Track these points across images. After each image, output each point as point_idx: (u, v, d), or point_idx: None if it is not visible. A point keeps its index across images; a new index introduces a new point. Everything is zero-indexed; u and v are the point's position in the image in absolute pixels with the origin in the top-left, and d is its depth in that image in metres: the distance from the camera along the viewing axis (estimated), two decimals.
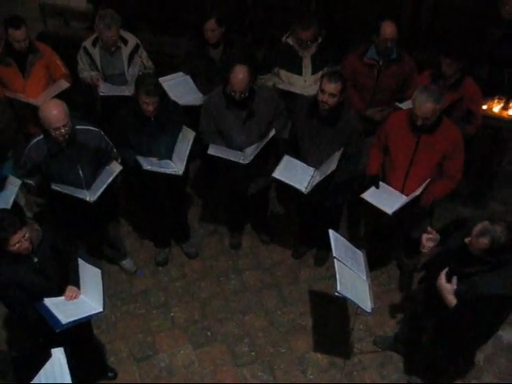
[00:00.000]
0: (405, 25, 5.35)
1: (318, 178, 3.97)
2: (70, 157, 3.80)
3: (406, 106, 4.23)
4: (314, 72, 4.62)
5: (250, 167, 4.11)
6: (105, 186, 3.90)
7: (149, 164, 4.02)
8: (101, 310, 3.35)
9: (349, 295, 3.43)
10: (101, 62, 4.68)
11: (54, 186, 3.80)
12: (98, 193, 3.88)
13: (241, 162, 4.06)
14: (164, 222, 4.77)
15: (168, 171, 4.07)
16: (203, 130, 4.20)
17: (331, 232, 3.75)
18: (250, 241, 5.10)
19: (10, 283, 3.17)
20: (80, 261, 3.46)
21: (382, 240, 4.62)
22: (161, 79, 4.42)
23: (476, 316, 3.13)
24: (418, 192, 3.86)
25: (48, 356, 2.92)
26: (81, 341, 3.74)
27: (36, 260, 3.22)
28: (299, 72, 4.62)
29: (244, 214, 5.01)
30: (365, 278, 3.71)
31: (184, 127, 4.07)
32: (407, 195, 3.93)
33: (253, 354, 4.27)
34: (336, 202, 4.39)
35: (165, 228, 4.83)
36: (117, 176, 3.99)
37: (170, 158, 4.16)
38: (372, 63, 4.48)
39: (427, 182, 3.85)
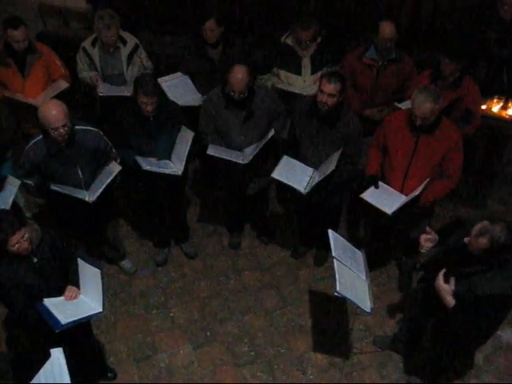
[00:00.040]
0: (404, 25, 5.35)
1: (317, 179, 3.97)
2: (69, 157, 3.80)
3: (405, 106, 4.23)
4: (313, 72, 4.63)
5: (249, 167, 4.12)
6: (104, 186, 3.90)
7: (148, 164, 4.02)
8: (100, 310, 3.35)
9: (348, 295, 3.42)
10: (100, 62, 4.68)
11: (53, 187, 3.80)
12: (97, 193, 3.88)
13: (240, 162, 4.06)
14: (163, 222, 4.77)
15: (167, 171, 4.07)
16: (202, 130, 4.20)
17: (330, 232, 3.75)
18: (250, 241, 5.10)
19: (10, 283, 3.16)
20: (80, 261, 3.45)
21: (381, 240, 4.62)
22: (160, 79, 4.43)
23: (475, 316, 3.13)
24: (417, 192, 3.86)
25: (47, 356, 2.92)
26: (80, 341, 3.74)
27: (35, 260, 3.22)
28: (298, 72, 4.63)
29: (243, 214, 5.01)
30: (364, 277, 3.71)
31: (183, 127, 4.07)
32: (406, 195, 3.93)
33: (252, 353, 4.27)
34: (335, 202, 4.39)
35: (164, 228, 4.83)
36: (116, 176, 3.99)
37: (169, 159, 4.15)
38: (371, 63, 4.49)
39: (426, 181, 3.85)
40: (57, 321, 3.16)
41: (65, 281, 3.41)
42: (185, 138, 4.06)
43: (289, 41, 4.61)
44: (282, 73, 4.66)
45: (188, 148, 4.03)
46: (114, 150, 4.05)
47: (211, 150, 4.08)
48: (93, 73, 4.70)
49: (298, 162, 4.10)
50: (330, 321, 4.45)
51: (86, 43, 4.71)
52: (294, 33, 4.55)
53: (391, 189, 4.01)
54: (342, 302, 4.42)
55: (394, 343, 4.19)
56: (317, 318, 4.48)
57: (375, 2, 5.37)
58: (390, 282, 4.75)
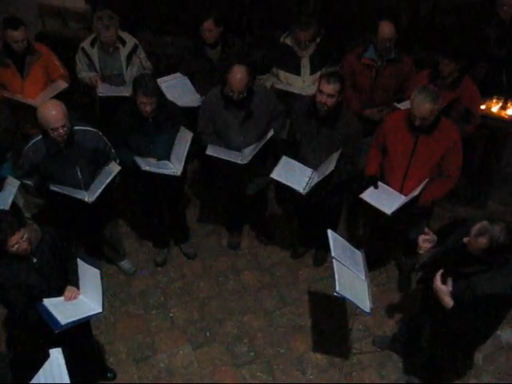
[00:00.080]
0: (403, 24, 5.35)
1: (316, 179, 3.96)
2: (68, 157, 3.80)
3: (404, 106, 4.23)
4: (312, 72, 4.63)
5: (248, 168, 4.11)
6: (103, 186, 3.90)
7: (147, 165, 4.02)
8: (100, 310, 3.34)
9: (347, 295, 3.42)
10: (99, 62, 4.68)
11: (53, 187, 3.80)
12: (97, 193, 3.88)
13: (239, 162, 4.06)
14: (162, 222, 4.77)
15: (166, 172, 4.06)
16: (201, 131, 4.20)
17: (330, 232, 3.75)
18: (249, 241, 5.10)
19: (10, 284, 3.16)
20: (79, 261, 3.45)
21: (380, 240, 4.62)
22: (159, 80, 4.41)
23: (474, 316, 3.13)
24: (416, 192, 3.86)
25: (46, 356, 2.91)
26: (80, 341, 3.74)
27: (35, 260, 3.22)
28: (298, 72, 4.63)
29: (242, 215, 5.01)
30: (363, 278, 3.71)
31: (182, 128, 4.07)
32: (406, 195, 3.93)
33: (252, 354, 4.27)
34: (335, 203, 4.39)
35: (163, 228, 4.83)
36: (115, 176, 3.99)
37: (168, 159, 4.15)
38: (370, 63, 4.49)
39: (426, 181, 3.85)
40: (56, 321, 3.16)
41: (64, 281, 3.41)
42: (184, 139, 4.06)
43: (288, 41, 4.61)
44: (281, 73, 4.66)
45: (187, 148, 4.02)
46: (113, 151, 4.05)
47: (210, 151, 4.08)
48: (92, 73, 4.70)
49: (297, 163, 4.09)
50: (330, 321, 4.45)
51: (85, 43, 4.71)
52: (293, 33, 4.55)
53: (390, 189, 4.01)
54: (342, 302, 4.42)
55: (394, 343, 4.19)
56: (316, 318, 4.48)
57: (374, 1, 5.37)
58: (389, 282, 4.75)
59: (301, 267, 4.87)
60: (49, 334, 3.18)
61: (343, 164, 3.99)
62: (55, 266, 3.34)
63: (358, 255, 3.86)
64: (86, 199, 3.86)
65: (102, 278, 3.45)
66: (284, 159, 4.11)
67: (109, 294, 4.55)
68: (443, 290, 3.16)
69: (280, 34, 4.73)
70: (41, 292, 3.27)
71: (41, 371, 2.88)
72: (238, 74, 3.88)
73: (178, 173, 4.06)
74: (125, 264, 4.80)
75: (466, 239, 3.02)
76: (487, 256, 2.98)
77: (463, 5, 5.11)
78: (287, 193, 4.57)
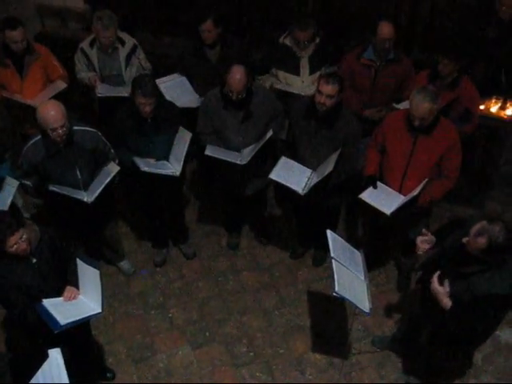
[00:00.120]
0: (402, 25, 5.35)
1: (315, 180, 3.96)
2: (67, 157, 3.80)
3: (403, 106, 4.23)
4: (311, 72, 4.63)
5: (247, 168, 4.11)
6: (102, 186, 3.90)
7: (146, 165, 4.01)
8: (99, 310, 3.34)
9: (347, 295, 3.42)
10: (98, 62, 4.68)
11: (52, 187, 3.80)
12: (96, 194, 3.88)
13: (238, 162, 4.06)
14: (162, 222, 4.77)
15: (165, 172, 4.07)
16: (200, 131, 4.19)
17: (329, 232, 3.75)
18: (248, 241, 5.10)
19: (9, 284, 3.16)
20: (79, 261, 3.45)
21: (379, 240, 4.62)
22: (158, 80, 4.41)
23: (474, 316, 3.13)
24: (415, 192, 3.85)
25: (45, 357, 2.91)
26: (79, 342, 3.74)
27: (34, 261, 3.22)
28: (297, 72, 4.63)
29: (242, 215, 5.01)
30: (363, 278, 3.71)
31: (181, 128, 4.07)
32: (405, 195, 3.93)
33: (251, 354, 4.27)
34: (334, 203, 4.39)
35: (162, 229, 4.83)
36: (114, 177, 3.99)
37: (167, 159, 4.15)
38: (369, 63, 4.49)
39: (425, 181, 3.85)
40: (56, 321, 3.15)
41: (64, 281, 3.41)
42: (183, 139, 4.06)
43: (287, 41, 4.61)
44: (281, 73, 4.66)
45: (186, 149, 4.03)
46: (112, 151, 4.05)
47: (209, 151, 4.07)
48: (91, 73, 4.70)
49: (295, 163, 4.09)
50: (329, 321, 4.45)
51: (84, 44, 4.71)
52: (292, 33, 4.55)
53: (390, 189, 4.01)
54: (341, 302, 4.42)
55: (393, 343, 4.19)
56: (315, 319, 4.48)
57: (374, 2, 5.37)
58: (388, 282, 4.75)
59: (300, 267, 4.87)
60: (48, 334, 3.18)
61: (342, 164, 3.99)
62: (54, 267, 3.34)
63: (358, 255, 3.86)
64: (85, 199, 3.86)
65: (101, 279, 3.45)
66: (283, 160, 4.11)
67: (108, 295, 4.54)
68: (440, 291, 3.17)
69: (279, 34, 4.73)
70: (40, 292, 3.26)
71: (40, 371, 2.88)
72: (237, 75, 3.88)
73: (177, 173, 4.06)
74: (124, 264, 4.80)
75: (465, 239, 3.02)
76: (486, 256, 2.98)
77: (462, 7, 5.11)
78: (287, 193, 4.57)
